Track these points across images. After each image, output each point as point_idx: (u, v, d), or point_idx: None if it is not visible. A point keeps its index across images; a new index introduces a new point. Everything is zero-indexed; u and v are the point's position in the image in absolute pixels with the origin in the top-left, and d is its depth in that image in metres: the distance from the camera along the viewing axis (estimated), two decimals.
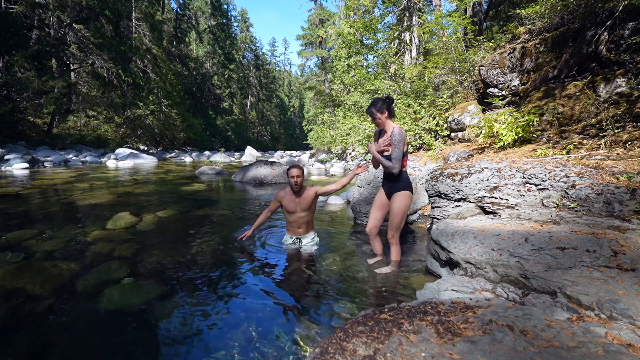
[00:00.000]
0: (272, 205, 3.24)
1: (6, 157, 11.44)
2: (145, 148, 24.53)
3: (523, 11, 6.12)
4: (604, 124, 3.47)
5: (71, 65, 20.10)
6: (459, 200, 2.90)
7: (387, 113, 2.60)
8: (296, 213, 3.15)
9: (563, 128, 4.14)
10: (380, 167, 2.78)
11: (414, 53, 12.43)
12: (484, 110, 6.36)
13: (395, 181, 2.66)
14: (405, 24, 12.57)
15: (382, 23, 14.28)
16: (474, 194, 2.78)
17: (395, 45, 13.33)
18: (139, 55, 26.13)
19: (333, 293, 2.36)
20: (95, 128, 22.14)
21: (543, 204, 2.43)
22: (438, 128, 7.61)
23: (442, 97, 8.13)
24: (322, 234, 3.86)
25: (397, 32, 13.12)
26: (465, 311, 1.27)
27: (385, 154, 2.63)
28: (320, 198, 6.12)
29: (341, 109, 16.76)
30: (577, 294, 1.51)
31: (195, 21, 44.60)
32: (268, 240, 3.54)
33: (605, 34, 4.18)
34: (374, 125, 9.61)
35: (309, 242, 3.28)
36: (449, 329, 1.15)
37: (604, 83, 4.01)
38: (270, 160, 12.33)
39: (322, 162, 17.66)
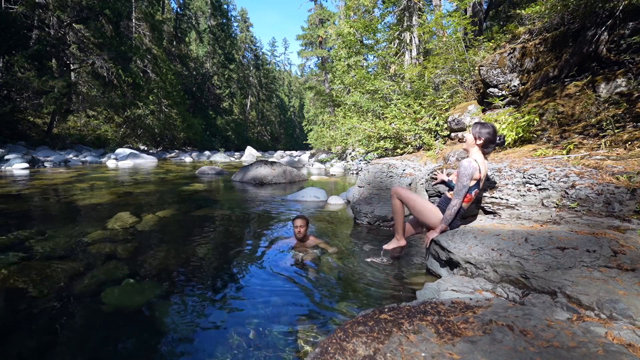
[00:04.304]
0: None
1: (6, 157, 11.44)
2: (145, 148, 24.54)
3: (523, 11, 6.11)
4: (604, 123, 3.47)
5: (71, 65, 20.10)
6: None
7: (482, 143, 2.48)
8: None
9: (563, 128, 4.14)
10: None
11: (414, 53, 12.42)
12: (484, 110, 6.36)
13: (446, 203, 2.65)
14: (405, 24, 12.57)
15: (382, 23, 14.28)
16: None
17: (395, 45, 13.33)
18: (139, 55, 26.14)
19: (333, 293, 2.36)
20: (95, 128, 22.14)
21: (543, 204, 2.42)
22: (438, 128, 7.61)
23: (442, 97, 8.12)
24: (322, 234, 3.86)
25: (397, 32, 13.11)
26: (465, 311, 1.27)
27: (454, 182, 2.59)
28: (320, 198, 6.12)
29: (341, 109, 16.75)
30: (577, 294, 1.51)
31: (195, 21, 44.60)
32: (268, 241, 3.54)
33: (606, 33, 4.17)
34: (373, 125, 9.48)
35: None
36: (449, 329, 1.15)
37: (604, 83, 4.00)
38: (270, 160, 12.33)
39: (322, 162, 17.65)
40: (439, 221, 2.55)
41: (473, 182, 2.44)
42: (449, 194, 2.65)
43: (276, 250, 3.24)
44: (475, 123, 2.52)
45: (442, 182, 2.82)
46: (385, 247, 2.82)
